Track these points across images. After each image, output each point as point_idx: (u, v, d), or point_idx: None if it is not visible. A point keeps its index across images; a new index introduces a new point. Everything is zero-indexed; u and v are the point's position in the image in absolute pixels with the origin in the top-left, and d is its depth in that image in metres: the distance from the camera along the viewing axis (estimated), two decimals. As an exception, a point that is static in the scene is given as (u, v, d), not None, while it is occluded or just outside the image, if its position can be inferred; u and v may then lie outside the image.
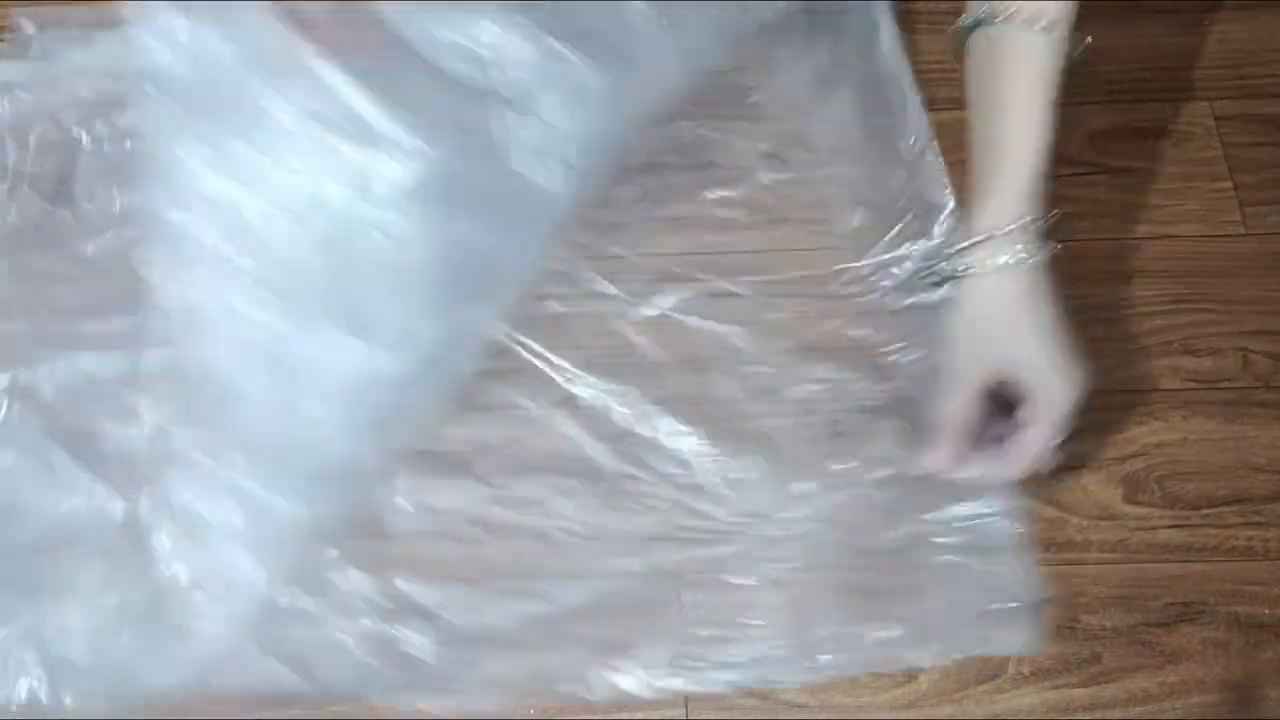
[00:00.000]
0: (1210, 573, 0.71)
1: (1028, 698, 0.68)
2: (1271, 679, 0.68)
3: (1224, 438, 0.74)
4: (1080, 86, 0.82)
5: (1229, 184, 0.82)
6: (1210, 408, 0.75)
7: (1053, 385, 0.66)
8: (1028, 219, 0.66)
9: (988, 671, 0.69)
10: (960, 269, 0.68)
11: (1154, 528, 0.72)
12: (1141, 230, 0.80)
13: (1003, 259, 0.66)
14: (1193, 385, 0.75)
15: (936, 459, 0.69)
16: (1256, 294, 0.78)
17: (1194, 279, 0.79)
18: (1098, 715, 0.68)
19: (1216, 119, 0.83)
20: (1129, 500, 0.73)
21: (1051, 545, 0.71)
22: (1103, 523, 0.72)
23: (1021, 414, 0.67)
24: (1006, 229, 0.66)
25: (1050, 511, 0.72)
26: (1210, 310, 0.78)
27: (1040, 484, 0.72)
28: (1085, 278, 0.78)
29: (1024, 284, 0.66)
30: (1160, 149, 0.82)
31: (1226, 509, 0.72)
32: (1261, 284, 0.79)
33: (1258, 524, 0.72)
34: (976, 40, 0.69)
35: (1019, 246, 0.66)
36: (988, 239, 0.67)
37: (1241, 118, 0.83)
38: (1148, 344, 0.77)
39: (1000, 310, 0.67)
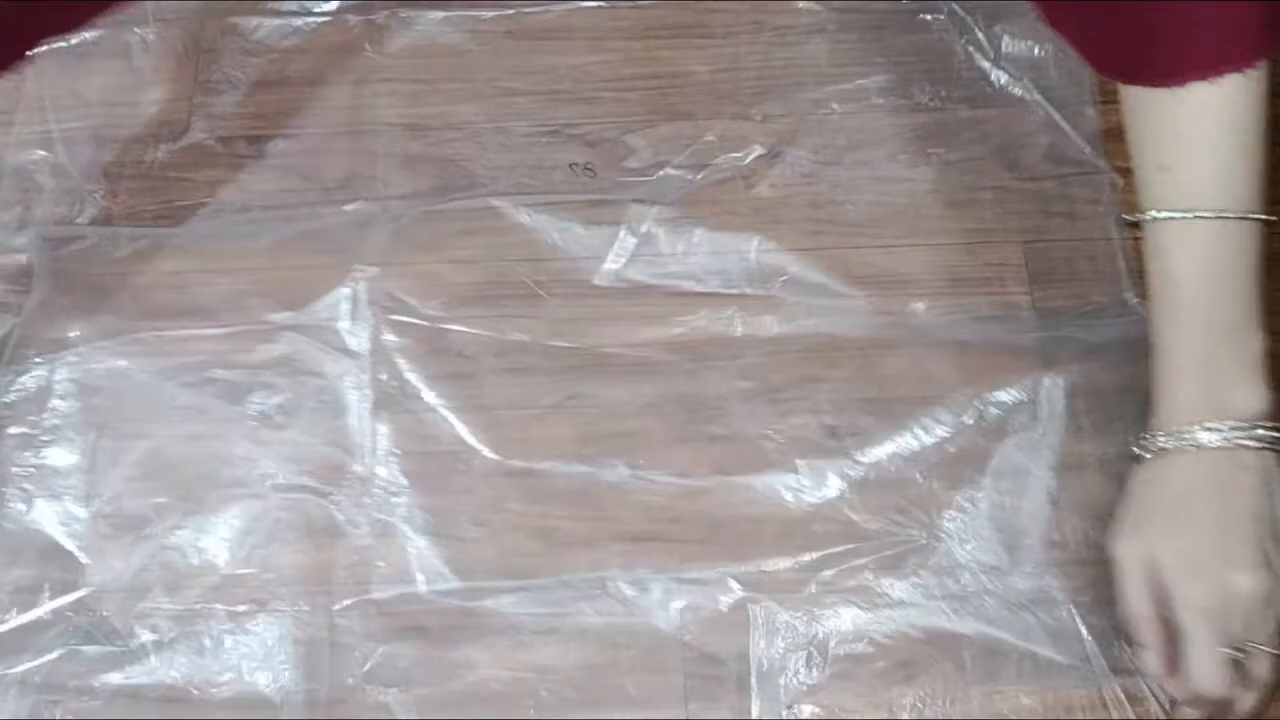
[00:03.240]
0: (1211, 573, 0.70)
1: (1029, 698, 0.68)
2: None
3: (1225, 437, 0.74)
4: (1081, 87, 0.82)
5: (1229, 184, 0.82)
6: (1211, 408, 0.75)
7: (1193, 586, 0.59)
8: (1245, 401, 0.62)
9: (987, 671, 0.69)
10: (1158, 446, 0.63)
11: (1155, 527, 0.72)
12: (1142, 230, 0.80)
13: (1205, 437, 0.61)
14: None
15: (1149, 661, 0.64)
16: (1257, 294, 0.78)
17: (1195, 279, 0.79)
18: (1099, 715, 0.67)
19: (1217, 119, 0.83)
20: (1130, 500, 0.72)
21: (1051, 545, 0.71)
22: (1103, 523, 0.72)
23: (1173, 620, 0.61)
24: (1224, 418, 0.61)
25: (1050, 511, 0.72)
26: (1211, 310, 0.78)
27: (1040, 483, 0.72)
28: (1086, 279, 0.78)
29: (1216, 469, 0.61)
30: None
31: (1227, 509, 0.72)
32: (1262, 284, 0.79)
33: (1258, 524, 0.72)
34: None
35: (1234, 433, 0.61)
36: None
37: (1242, 117, 0.82)
38: (1147, 344, 0.76)
39: (1174, 492, 0.62)
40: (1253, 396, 0.62)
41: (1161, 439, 0.64)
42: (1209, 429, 0.62)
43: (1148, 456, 0.65)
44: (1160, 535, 0.62)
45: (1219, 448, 0.61)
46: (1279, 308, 0.77)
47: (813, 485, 0.73)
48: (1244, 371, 0.62)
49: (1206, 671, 0.59)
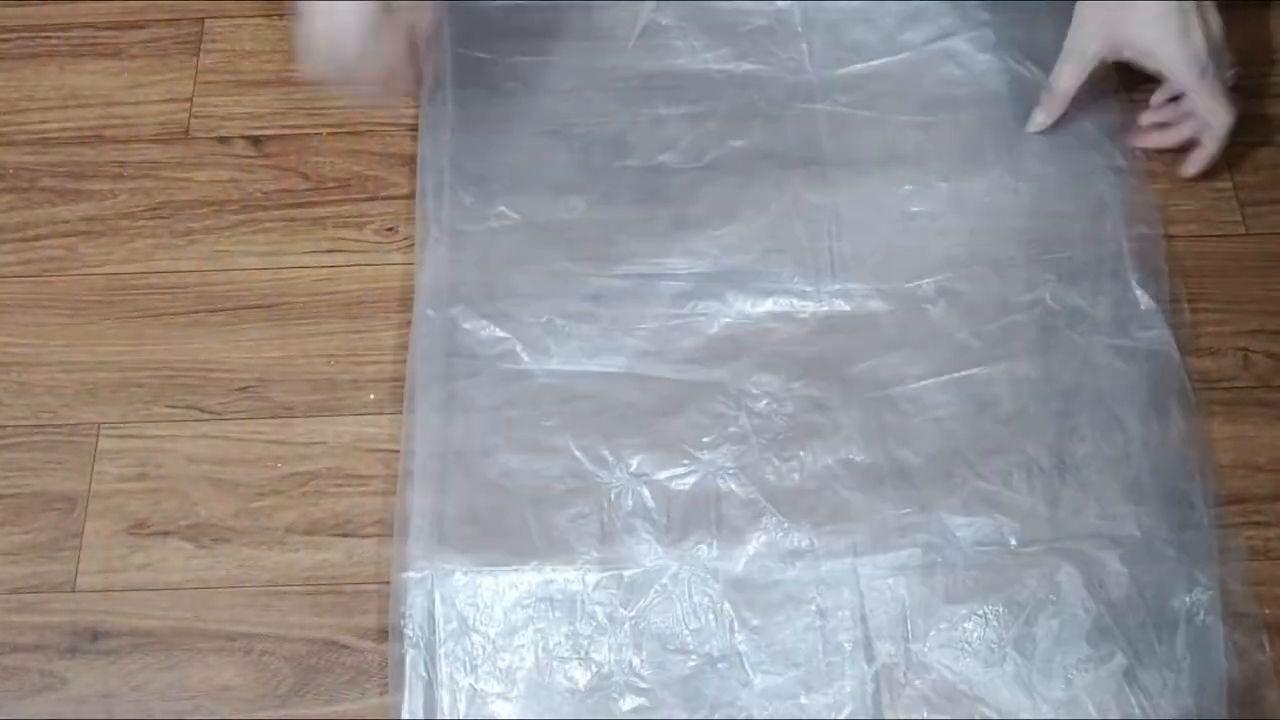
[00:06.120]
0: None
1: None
2: (1271, 679, 0.68)
3: (1224, 438, 0.74)
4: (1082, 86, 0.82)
5: (1229, 184, 0.82)
6: (1210, 408, 0.75)
7: (1176, 51, 0.74)
8: None
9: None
10: None
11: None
12: (1142, 230, 0.80)
13: None
14: (1193, 385, 0.75)
15: (1036, 120, 0.81)
16: (1256, 294, 0.78)
17: (1194, 279, 0.79)
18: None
19: (1216, 119, 0.83)
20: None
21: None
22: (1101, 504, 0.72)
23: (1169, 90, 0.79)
24: None
25: (1044, 510, 0.72)
26: (1210, 310, 0.78)
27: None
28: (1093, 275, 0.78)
29: None
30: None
31: (1226, 509, 0.72)
32: (1261, 284, 0.79)
33: (1258, 524, 0.72)
34: None
35: None
36: None
37: (1241, 118, 0.82)
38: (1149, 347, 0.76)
39: None
40: None
41: None
42: None
43: None
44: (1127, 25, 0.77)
45: None
46: (1278, 308, 0.78)
47: (811, 465, 0.73)
48: None
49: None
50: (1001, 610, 0.68)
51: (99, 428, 0.76)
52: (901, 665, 0.67)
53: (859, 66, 0.85)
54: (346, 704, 0.68)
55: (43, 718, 0.68)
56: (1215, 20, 0.76)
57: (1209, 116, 0.77)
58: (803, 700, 0.67)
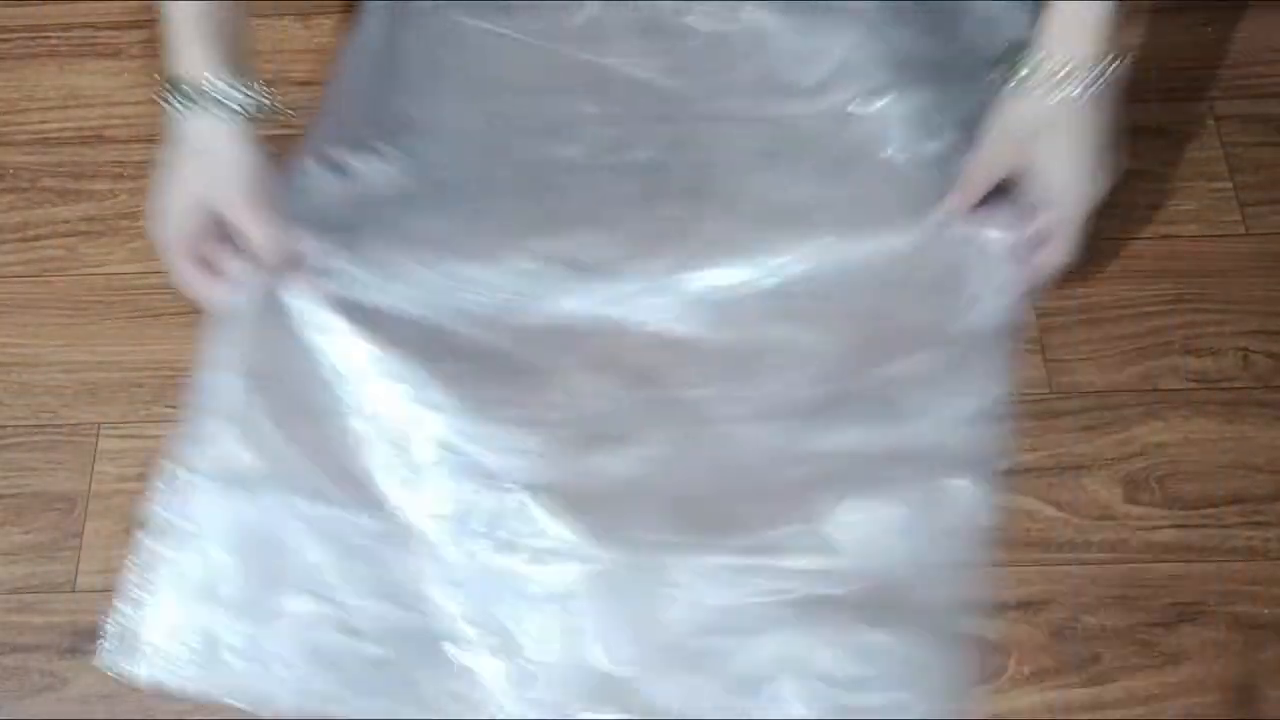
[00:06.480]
0: (1210, 573, 0.71)
1: (1028, 698, 0.68)
2: (1271, 679, 0.68)
3: (1224, 438, 0.74)
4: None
5: (1229, 184, 0.82)
6: (1210, 408, 0.75)
7: (1067, 187, 0.70)
8: (1094, 55, 0.68)
9: (987, 671, 0.69)
10: (1018, 77, 0.70)
11: (1154, 528, 0.72)
12: (1141, 230, 0.80)
13: (1061, 84, 0.68)
14: (1193, 385, 0.75)
15: (945, 205, 0.75)
16: (1256, 294, 0.78)
17: (1194, 279, 0.79)
18: (1098, 715, 0.67)
19: (1216, 119, 0.83)
20: (1129, 500, 0.73)
21: (1051, 545, 0.71)
22: (1103, 523, 0.72)
23: (1037, 201, 0.72)
24: (1070, 61, 0.68)
25: (1050, 511, 0.72)
26: (1210, 310, 0.78)
27: (1040, 483, 0.72)
28: (1085, 278, 0.78)
29: (1072, 109, 0.69)
30: (1160, 149, 0.82)
31: (1226, 509, 0.72)
32: (1261, 284, 0.79)
33: (1258, 524, 0.72)
34: None
35: (1080, 75, 0.68)
36: (1054, 61, 0.68)
37: (1241, 118, 0.83)
38: (1147, 344, 0.77)
39: (1039, 121, 0.70)
40: None
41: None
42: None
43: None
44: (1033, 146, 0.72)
45: None
46: (1278, 309, 0.78)
47: (605, 472, 0.72)
48: None
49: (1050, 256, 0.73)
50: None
51: (99, 428, 0.76)
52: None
53: (780, 108, 0.83)
54: (346, 704, 0.68)
55: (43, 718, 0.68)
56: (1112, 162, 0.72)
57: (1055, 250, 0.73)
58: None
